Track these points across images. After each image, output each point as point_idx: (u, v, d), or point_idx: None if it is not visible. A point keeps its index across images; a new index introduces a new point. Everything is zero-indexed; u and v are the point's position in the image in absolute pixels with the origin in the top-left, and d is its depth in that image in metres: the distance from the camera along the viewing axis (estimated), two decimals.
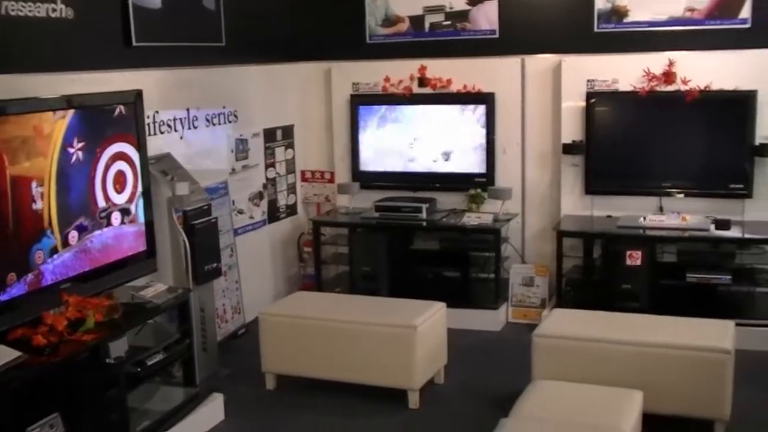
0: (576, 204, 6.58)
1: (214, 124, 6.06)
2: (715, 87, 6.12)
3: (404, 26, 7.03)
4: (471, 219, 6.49)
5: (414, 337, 4.86)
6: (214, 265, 5.23)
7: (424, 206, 6.63)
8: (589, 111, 6.43)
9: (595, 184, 6.47)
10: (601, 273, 6.25)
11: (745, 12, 6.19)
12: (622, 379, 4.26)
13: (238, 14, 6.27)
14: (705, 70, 6.15)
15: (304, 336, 5.11)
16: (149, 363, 4.34)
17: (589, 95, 6.43)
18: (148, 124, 5.20)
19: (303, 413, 4.94)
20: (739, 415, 4.51)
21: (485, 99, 6.72)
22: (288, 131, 7.05)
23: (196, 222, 5.05)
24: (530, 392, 4.10)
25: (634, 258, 5.95)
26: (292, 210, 7.18)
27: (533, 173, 6.81)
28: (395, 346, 4.90)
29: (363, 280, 6.60)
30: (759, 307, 6.00)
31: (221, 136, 6.17)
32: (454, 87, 6.81)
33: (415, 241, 6.95)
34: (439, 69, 6.83)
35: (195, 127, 5.85)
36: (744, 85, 6.06)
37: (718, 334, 4.53)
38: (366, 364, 4.98)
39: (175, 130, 5.65)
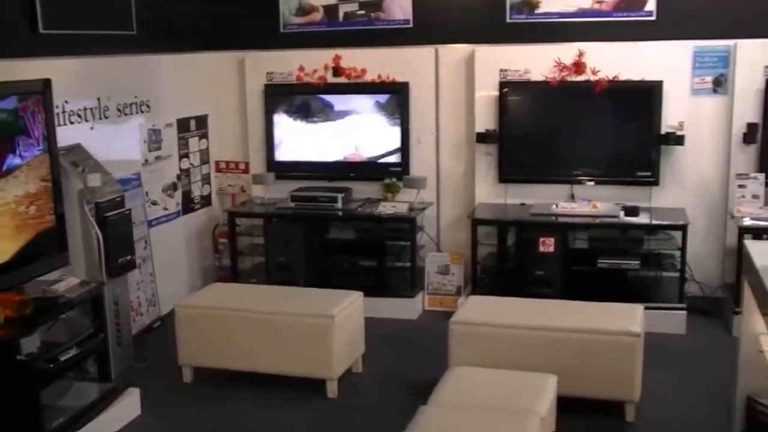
0: (490, 192, 6.67)
1: (125, 114, 5.96)
2: (623, 77, 6.28)
3: (318, 15, 7.01)
4: (386, 208, 6.52)
5: (331, 327, 4.88)
6: (128, 257, 5.13)
7: (340, 196, 6.64)
8: (502, 100, 6.52)
9: (508, 173, 6.58)
10: (515, 260, 6.37)
11: (651, 5, 6.36)
12: (537, 364, 4.35)
13: (149, 2, 6.17)
14: (613, 61, 6.30)
15: (221, 328, 5.07)
16: (62, 359, 4.24)
17: (502, 85, 6.52)
18: (58, 114, 5.08)
19: (221, 405, 4.91)
20: (648, 395, 4.66)
21: (399, 88, 6.75)
22: (202, 121, 6.98)
23: (108, 214, 4.95)
24: (448, 379, 4.16)
25: (547, 245, 6.06)
26: (206, 201, 7.11)
27: (448, 162, 6.87)
28: (313, 336, 4.91)
29: (279, 270, 6.58)
30: (666, 290, 6.18)
31: (133, 127, 6.07)
32: (369, 77, 6.82)
33: (331, 231, 6.95)
34: (354, 59, 6.83)
35: (106, 117, 5.74)
36: (650, 76, 6.24)
37: (627, 318, 4.66)
38: (284, 354, 4.97)
39: (86, 120, 5.54)
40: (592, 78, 6.32)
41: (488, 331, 4.68)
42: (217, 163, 7.20)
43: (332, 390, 4.95)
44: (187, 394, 5.09)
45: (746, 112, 6.21)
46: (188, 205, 6.83)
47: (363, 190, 6.89)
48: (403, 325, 6.25)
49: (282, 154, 7.03)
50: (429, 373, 4.67)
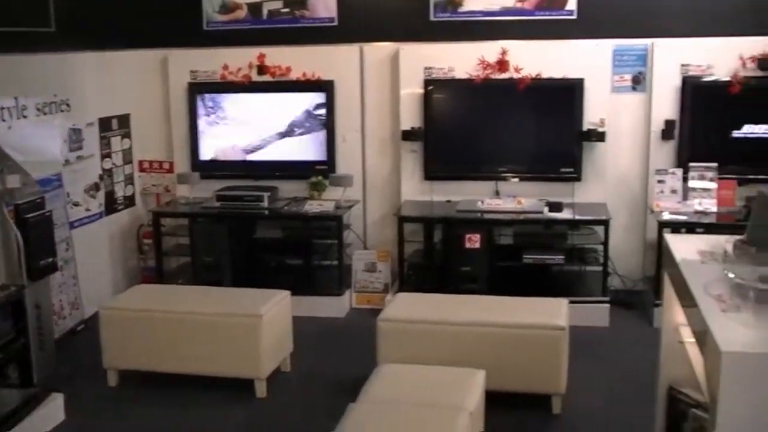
0: (416, 189, 6.71)
1: (45, 114, 5.82)
2: (545, 75, 6.37)
3: (242, 13, 6.95)
4: (313, 206, 6.50)
5: (259, 326, 4.85)
6: (49, 260, 5.02)
7: (266, 195, 6.60)
8: (426, 98, 6.56)
9: (434, 170, 6.62)
10: (441, 257, 6.42)
11: (572, 4, 6.47)
12: (465, 359, 4.39)
13: None
14: (536, 59, 6.39)
15: (147, 329, 5.00)
16: None
17: (427, 82, 6.56)
18: None
19: (148, 408, 4.84)
20: (574, 388, 4.74)
21: (325, 86, 6.74)
22: (124, 120, 6.86)
23: (28, 216, 4.83)
24: (377, 376, 4.17)
25: (473, 241, 6.12)
26: (130, 201, 7.00)
27: (373, 160, 6.89)
28: (241, 335, 4.87)
29: (206, 270, 6.51)
30: (589, 284, 6.31)
31: (53, 126, 5.93)
32: (294, 75, 6.80)
33: (257, 230, 6.91)
34: (279, 57, 6.80)
35: (24, 117, 5.59)
36: (572, 74, 6.35)
37: (553, 312, 4.73)
38: (212, 355, 4.92)
39: (3, 120, 5.39)
40: (516, 76, 6.40)
41: (416, 327, 4.71)
42: (140, 162, 7.09)
43: (261, 390, 4.93)
44: (113, 398, 5.01)
45: (664, 109, 6.37)
46: (111, 206, 6.71)
47: (289, 188, 6.86)
48: (331, 324, 6.25)
49: (206, 154, 6.95)
50: (357, 370, 4.67)
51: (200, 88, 6.91)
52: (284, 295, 5.23)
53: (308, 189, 6.76)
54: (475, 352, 4.54)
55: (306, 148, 6.82)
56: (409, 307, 4.96)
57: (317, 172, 6.76)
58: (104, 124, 6.57)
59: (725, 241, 3.21)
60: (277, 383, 5.06)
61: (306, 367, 5.36)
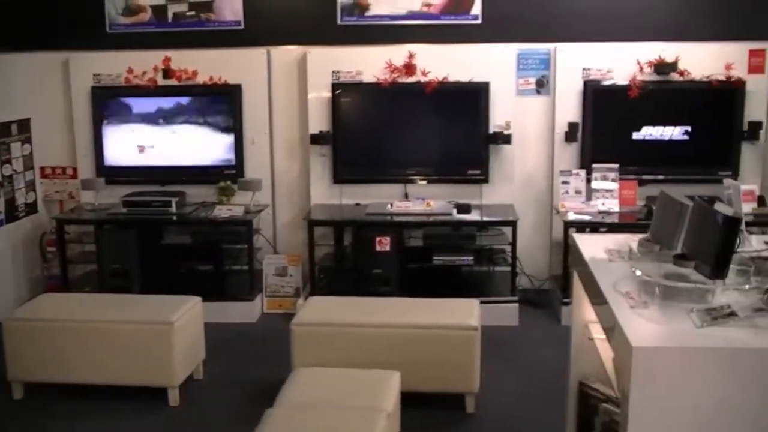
0: (325, 193, 6.72)
1: None
2: (452, 78, 6.46)
3: (146, 16, 6.84)
4: (222, 211, 6.45)
5: (171, 334, 4.78)
6: None
7: (174, 200, 6.52)
8: (335, 102, 6.58)
9: (342, 173, 6.65)
10: (352, 260, 6.44)
11: (476, 9, 6.58)
12: (379, 361, 4.42)
13: None
14: (443, 63, 6.48)
15: (54, 340, 4.87)
16: None
17: (335, 86, 6.58)
18: None
19: (56, 421, 4.71)
20: (487, 386, 4.82)
21: (232, 90, 6.69)
22: (24, 125, 6.68)
23: None
24: (292, 381, 4.15)
25: (383, 244, 6.16)
26: (32, 208, 6.81)
27: (282, 164, 6.87)
28: (152, 343, 4.80)
29: (113, 278, 6.38)
30: (498, 284, 6.42)
31: None
32: (200, 78, 6.73)
33: (166, 236, 6.80)
34: (185, 60, 6.72)
35: None
36: (478, 77, 6.46)
37: (464, 313, 4.80)
38: (122, 364, 4.83)
39: None
40: (423, 79, 6.47)
41: (329, 330, 4.72)
42: (42, 168, 6.91)
43: (174, 398, 4.86)
44: (18, 412, 4.86)
45: (567, 111, 6.54)
46: (12, 214, 6.53)
47: (197, 193, 6.79)
48: (243, 329, 6.20)
49: (111, 159, 6.82)
50: (272, 376, 4.66)
51: (104, 92, 6.77)
52: (195, 301, 5.17)
53: (217, 194, 6.70)
54: (390, 353, 4.58)
55: (214, 153, 6.75)
56: (321, 311, 4.97)
57: (225, 177, 6.70)
58: (3, 129, 6.39)
59: (630, 240, 3.32)
60: (190, 391, 4.99)
61: (219, 374, 5.31)
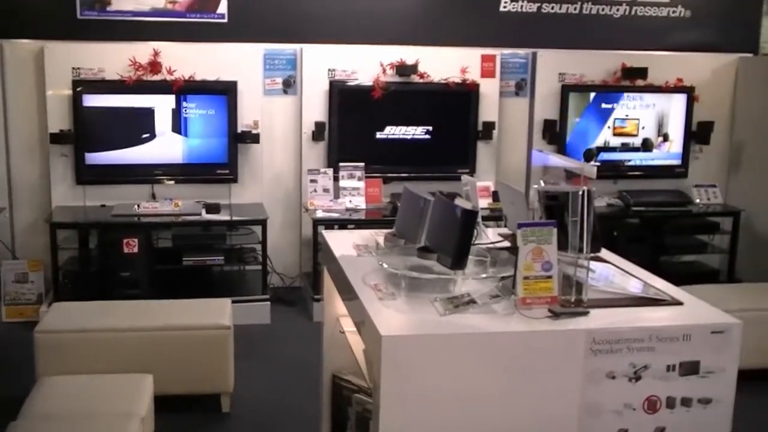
0: (68, 195, 6.44)
1: None
2: (199, 77, 6.40)
3: None
4: None
5: None
6: None
7: None
8: (75, 100, 6.31)
9: (86, 174, 6.40)
10: (99, 263, 6.22)
11: (222, 8, 6.56)
12: (131, 366, 4.32)
13: None
14: (189, 61, 6.40)
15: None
16: None
17: (76, 83, 6.32)
18: None
19: None
20: (242, 385, 4.84)
21: None
22: None
23: None
24: (38, 391, 3.97)
25: (131, 246, 6.01)
26: None
27: (20, 165, 6.51)
28: None
29: None
30: (250, 283, 6.44)
31: None
32: None
33: None
34: None
35: None
36: (226, 76, 6.44)
37: (216, 312, 4.79)
38: None
39: None
40: (169, 78, 6.36)
41: (77, 337, 4.54)
42: None
43: None
44: None
45: (314, 111, 6.67)
46: None
47: None
48: None
49: None
50: (15, 388, 4.40)
51: None
52: None
53: None
54: (141, 357, 4.48)
55: None
56: (67, 317, 4.77)
57: None
58: None
59: (377, 235, 3.46)
60: None
61: None
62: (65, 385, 4.04)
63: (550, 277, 2.47)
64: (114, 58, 6.33)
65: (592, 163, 6.73)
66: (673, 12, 7.32)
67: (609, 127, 7.07)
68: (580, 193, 2.52)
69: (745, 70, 7.35)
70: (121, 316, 4.75)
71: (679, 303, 2.68)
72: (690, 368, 2.46)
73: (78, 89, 6.31)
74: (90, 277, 6.19)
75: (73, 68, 6.33)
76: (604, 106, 7.05)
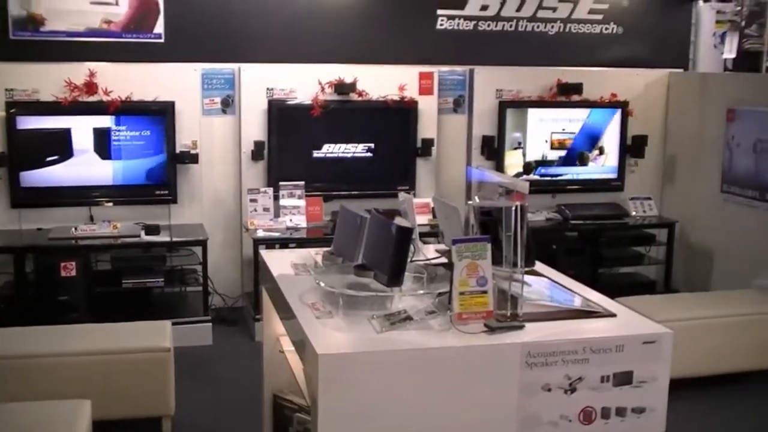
0: (2, 218, 6.31)
1: None
2: (136, 98, 6.34)
3: None
4: None
5: None
6: None
7: None
8: (9, 121, 6.19)
9: (21, 197, 6.28)
10: (35, 287, 6.10)
11: (159, 27, 6.53)
12: (69, 391, 4.22)
13: None
14: (126, 81, 6.33)
15: None
16: None
17: (9, 105, 6.20)
18: None
19: None
20: (183, 408, 4.79)
21: None
22: None
23: None
24: None
25: (69, 269, 5.91)
26: None
27: None
28: None
29: None
30: (191, 305, 6.39)
31: None
32: None
33: None
34: None
35: None
36: (164, 96, 6.40)
37: (156, 335, 4.74)
38: None
39: None
40: (105, 98, 6.30)
41: (12, 363, 4.45)
42: None
43: None
44: None
45: (253, 130, 6.64)
46: None
47: None
48: None
49: None
50: None
51: None
52: None
53: None
54: (80, 382, 4.41)
55: None
56: (2, 343, 4.66)
57: None
58: None
59: (315, 254, 3.47)
60: None
61: None
62: (1, 413, 3.95)
63: (485, 292, 2.50)
64: (49, 79, 6.25)
65: (530, 176, 6.88)
66: (606, 29, 7.47)
67: (546, 141, 7.17)
68: (513, 208, 2.56)
69: (677, 84, 7.52)
70: (59, 340, 4.67)
71: (613, 315, 2.73)
72: (623, 378, 2.51)
73: (11, 111, 6.21)
74: (27, 302, 6.07)
75: (6, 89, 6.23)
76: (541, 120, 7.15)
